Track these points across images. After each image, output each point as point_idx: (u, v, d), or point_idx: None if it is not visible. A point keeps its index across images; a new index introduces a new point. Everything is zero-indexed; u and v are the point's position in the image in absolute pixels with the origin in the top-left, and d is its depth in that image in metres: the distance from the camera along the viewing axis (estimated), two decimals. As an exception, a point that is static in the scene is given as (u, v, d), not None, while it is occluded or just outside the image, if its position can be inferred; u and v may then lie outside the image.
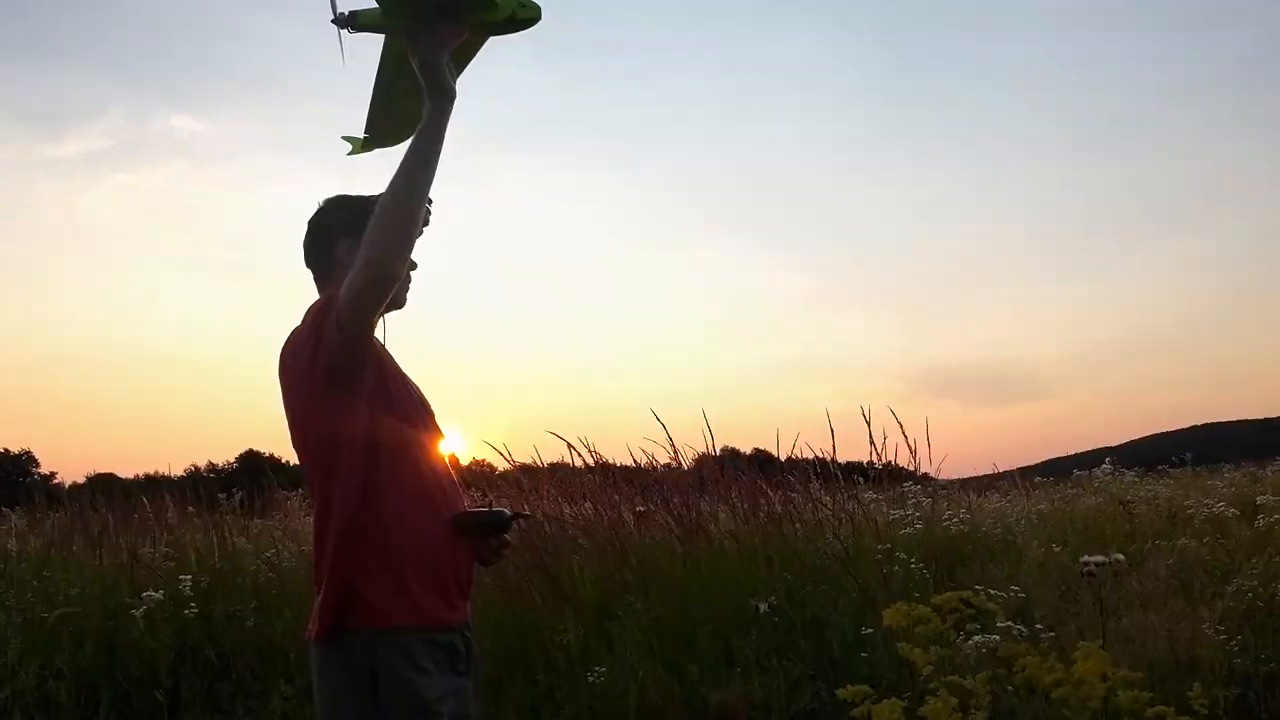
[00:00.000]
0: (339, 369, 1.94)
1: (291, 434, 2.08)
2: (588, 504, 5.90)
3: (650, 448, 6.46)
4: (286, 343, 2.07)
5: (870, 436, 6.04)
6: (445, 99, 1.95)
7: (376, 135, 2.34)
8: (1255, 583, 4.04)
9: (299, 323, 2.07)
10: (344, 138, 2.37)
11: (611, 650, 4.26)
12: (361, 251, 1.86)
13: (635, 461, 6.78)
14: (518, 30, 2.13)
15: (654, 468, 6.74)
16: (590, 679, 3.98)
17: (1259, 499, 5.71)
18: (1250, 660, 3.55)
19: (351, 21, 2.03)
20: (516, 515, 2.16)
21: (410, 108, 2.09)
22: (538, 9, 2.11)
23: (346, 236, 2.03)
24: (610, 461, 6.71)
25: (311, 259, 2.17)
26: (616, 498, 6.13)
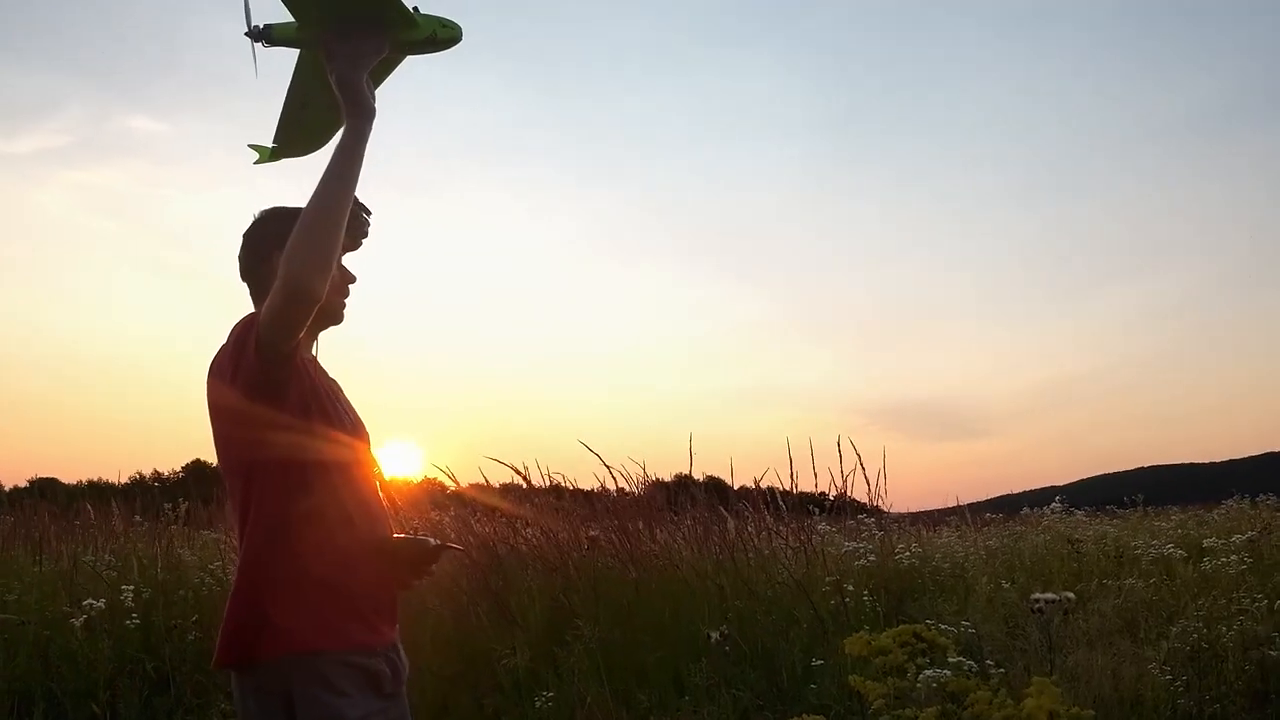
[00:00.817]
0: (257, 389, 1.89)
1: (216, 454, 2.03)
2: (532, 530, 5.88)
3: (606, 472, 6.44)
4: (212, 361, 2.01)
5: (819, 466, 6.07)
6: (364, 117, 1.93)
7: (285, 146, 2.32)
8: (1200, 624, 4.09)
9: (225, 340, 2.00)
10: (250, 146, 2.35)
11: (559, 675, 4.22)
12: (280, 269, 1.82)
13: (590, 486, 6.77)
14: (438, 50, 2.12)
15: (608, 493, 6.73)
16: (537, 704, 3.94)
17: (1205, 542, 5.79)
18: (1194, 701, 3.59)
19: (266, 35, 2.00)
20: (442, 546, 2.10)
21: (325, 120, 2.06)
22: (458, 29, 2.10)
23: (281, 250, 1.88)
24: (564, 485, 6.69)
25: (246, 273, 2.10)
26: (568, 523, 6.11)
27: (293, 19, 1.95)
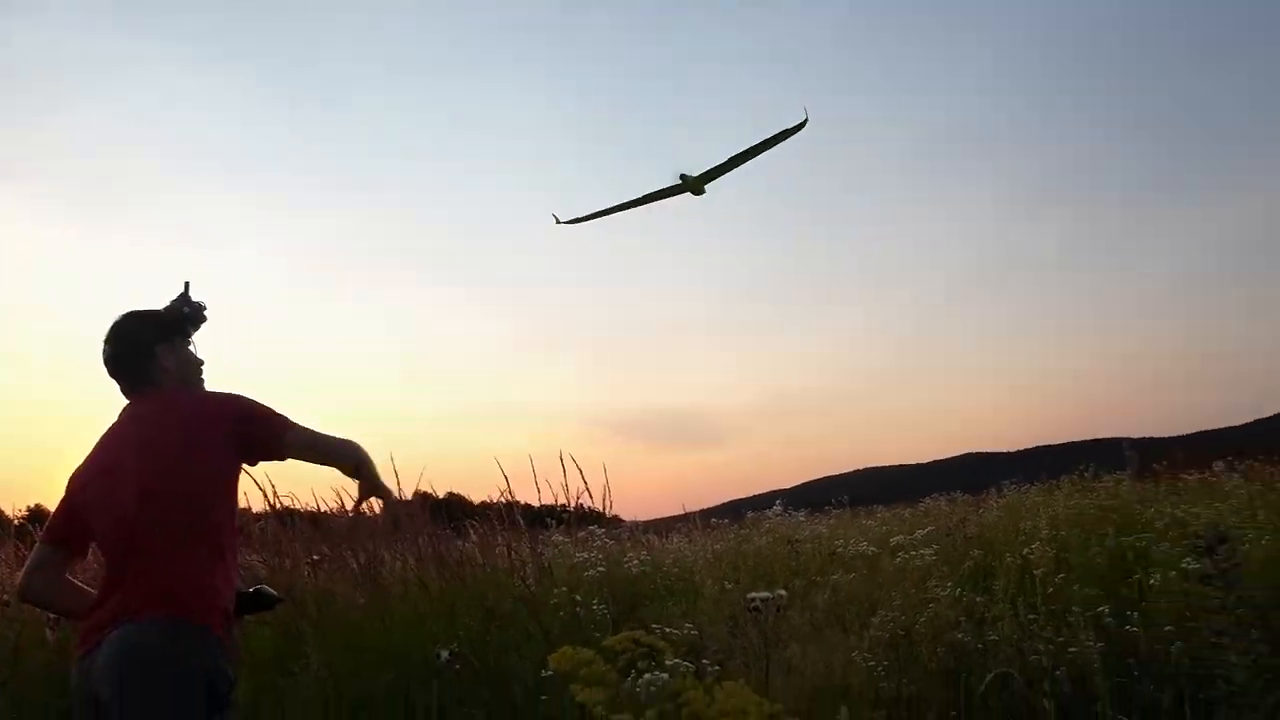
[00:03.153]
0: (248, 453, 2.58)
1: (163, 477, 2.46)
2: (256, 555, 5.61)
3: (336, 492, 6.24)
4: (183, 402, 2.60)
5: (556, 479, 6.13)
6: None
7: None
8: (897, 613, 4.42)
9: (202, 390, 2.71)
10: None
11: (284, 709, 4.03)
12: (351, 455, 2.66)
13: (319, 507, 6.52)
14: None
15: (339, 514, 6.51)
16: (257, 741, 3.74)
17: (892, 539, 6.26)
18: (893, 684, 3.87)
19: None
20: (278, 599, 2.72)
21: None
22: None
23: (163, 343, 2.65)
24: (291, 507, 6.41)
25: (129, 366, 2.65)
26: (295, 545, 5.86)
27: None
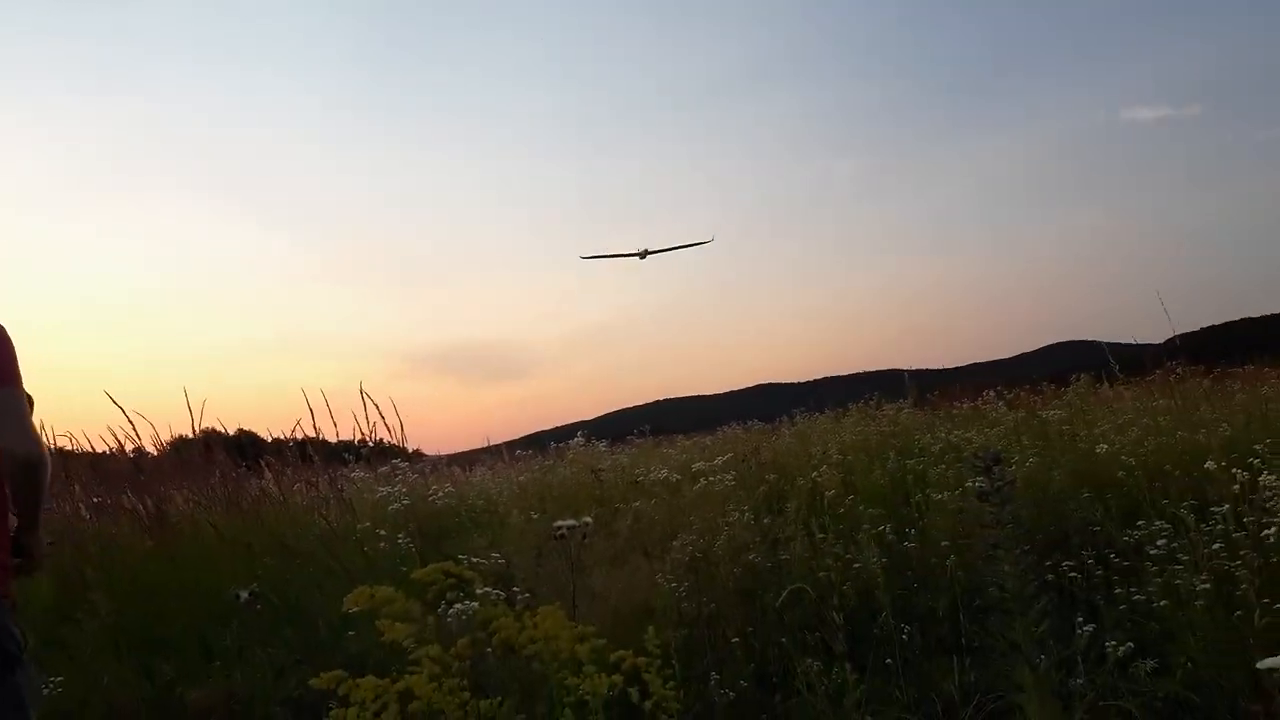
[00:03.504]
0: None
1: None
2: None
3: (118, 431, 5.91)
4: None
5: (357, 413, 6.00)
6: None
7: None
8: (696, 537, 4.59)
9: None
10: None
11: (70, 657, 3.82)
12: (32, 456, 2.27)
13: (95, 448, 6.18)
14: None
15: (121, 453, 6.18)
16: (45, 691, 3.53)
17: (694, 466, 6.46)
18: (694, 604, 4.03)
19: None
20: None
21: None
22: None
23: None
24: (62, 447, 6.04)
25: None
26: (75, 487, 5.55)
27: None
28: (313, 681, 1.86)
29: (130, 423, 5.88)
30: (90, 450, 6.37)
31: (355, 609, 2.04)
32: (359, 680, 1.87)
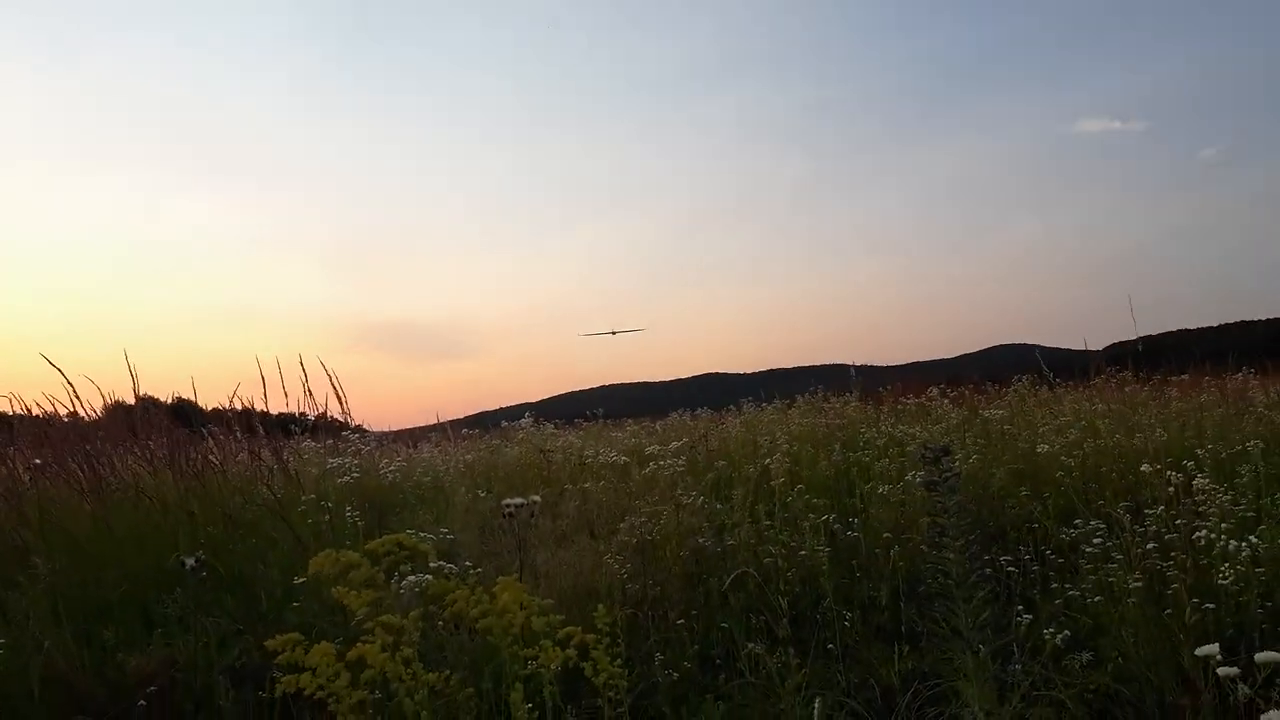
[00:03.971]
0: None
1: None
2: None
3: (51, 395, 5.80)
4: None
5: (299, 385, 5.94)
6: None
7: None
8: (644, 519, 4.62)
9: None
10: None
11: (9, 622, 3.76)
12: None
13: (29, 410, 6.06)
14: None
15: (56, 418, 6.07)
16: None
17: (647, 449, 6.51)
18: (640, 585, 4.06)
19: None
20: None
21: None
22: None
23: None
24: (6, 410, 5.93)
25: None
26: (11, 449, 5.44)
27: None
28: (268, 643, 1.87)
29: (69, 385, 5.77)
30: (28, 413, 6.25)
31: (316, 572, 2.04)
32: (314, 646, 1.87)
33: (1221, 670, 1.80)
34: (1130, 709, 3.08)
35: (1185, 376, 8.64)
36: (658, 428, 9.88)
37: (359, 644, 1.94)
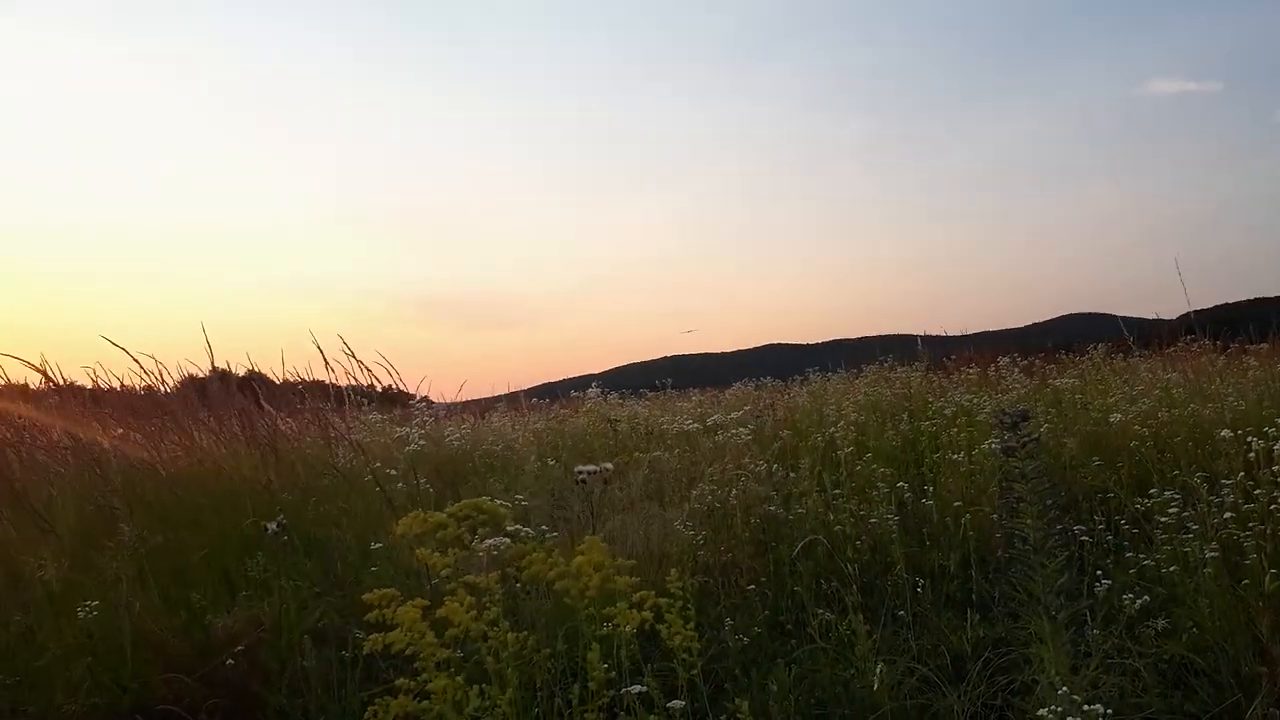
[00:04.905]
0: None
1: None
2: (57, 432, 5.35)
3: (130, 369, 6.00)
4: None
5: (365, 357, 6.06)
6: None
7: None
8: (714, 487, 4.65)
9: None
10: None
11: (102, 583, 3.90)
12: None
13: (117, 385, 6.27)
14: None
15: (132, 390, 6.27)
16: (81, 615, 3.61)
17: (709, 419, 6.53)
18: (711, 552, 4.10)
19: None
20: None
21: None
22: None
23: None
24: (91, 383, 6.15)
25: None
26: (95, 421, 5.62)
27: None
28: (365, 596, 1.92)
29: (137, 362, 5.95)
30: (111, 387, 6.45)
31: (403, 534, 2.09)
32: (402, 605, 1.93)
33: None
34: (1205, 679, 3.05)
35: (1264, 345, 8.41)
36: (726, 396, 9.89)
37: (445, 602, 1.99)
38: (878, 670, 2.86)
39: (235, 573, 4.16)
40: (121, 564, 3.91)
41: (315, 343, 5.99)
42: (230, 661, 3.32)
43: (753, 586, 3.89)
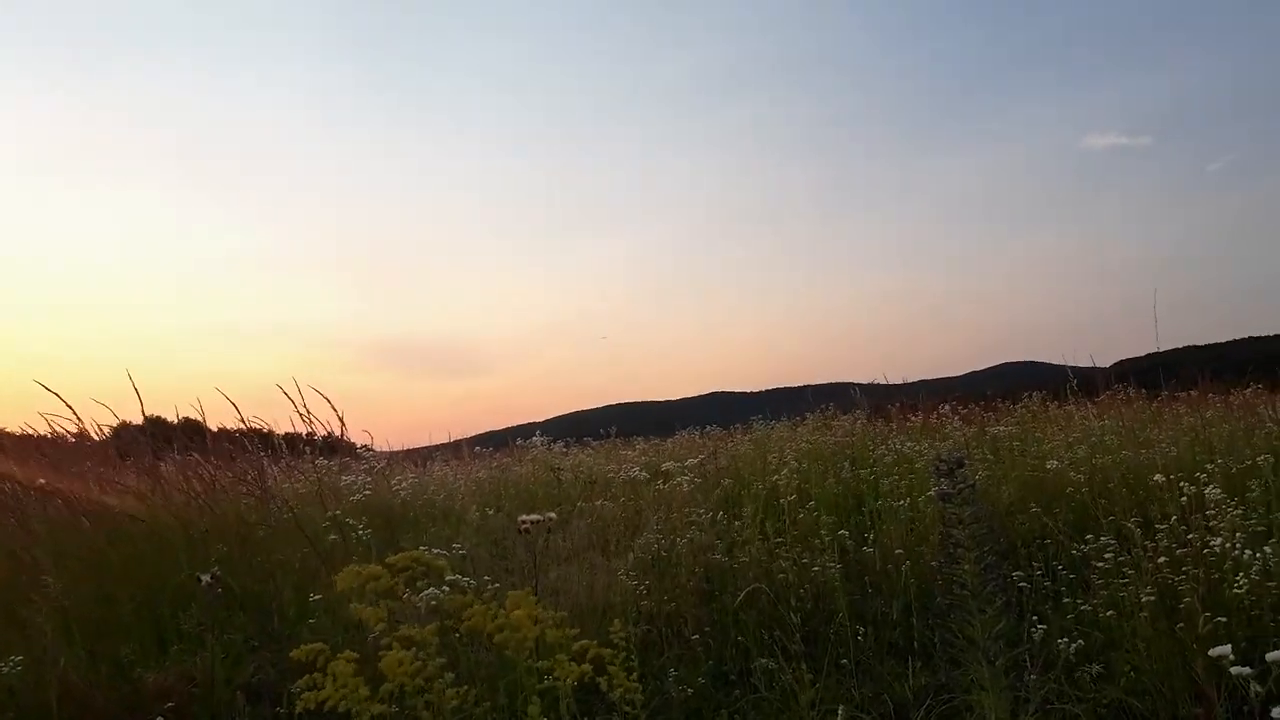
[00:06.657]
0: None
1: None
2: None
3: (63, 416, 5.85)
4: None
5: (309, 406, 5.98)
6: None
7: None
8: (658, 535, 4.64)
9: None
10: None
11: (26, 637, 3.77)
12: None
13: (36, 431, 6.12)
14: None
15: (64, 439, 6.12)
16: (4, 669, 3.48)
17: (663, 465, 6.53)
18: (654, 601, 4.07)
19: None
20: None
21: None
22: None
23: None
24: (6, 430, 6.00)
25: None
26: (14, 469, 5.49)
27: None
28: (294, 653, 1.88)
29: (70, 408, 5.80)
30: (34, 434, 6.29)
31: (341, 589, 2.05)
32: (336, 656, 1.89)
33: (1234, 670, 1.81)
34: (1143, 722, 3.08)
35: (1194, 393, 8.63)
36: (669, 446, 9.89)
37: (380, 655, 1.95)
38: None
39: (168, 626, 4.05)
40: (47, 617, 3.79)
41: (251, 391, 5.91)
42: (160, 718, 3.22)
43: (696, 636, 3.87)
